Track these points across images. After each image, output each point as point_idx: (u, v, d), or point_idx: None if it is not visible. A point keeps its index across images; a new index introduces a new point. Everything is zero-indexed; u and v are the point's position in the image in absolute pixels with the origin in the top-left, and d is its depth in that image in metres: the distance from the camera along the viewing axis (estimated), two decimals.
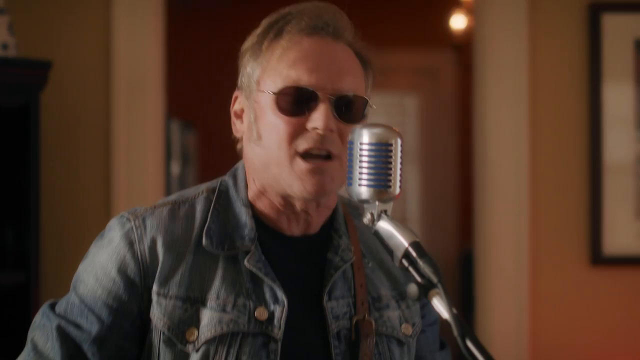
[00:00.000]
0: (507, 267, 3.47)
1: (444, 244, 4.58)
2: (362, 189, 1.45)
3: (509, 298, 3.47)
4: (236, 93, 1.68)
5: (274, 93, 1.59)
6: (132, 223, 1.63)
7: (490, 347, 3.51)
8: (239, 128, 1.68)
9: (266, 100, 1.60)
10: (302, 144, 1.57)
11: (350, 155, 1.46)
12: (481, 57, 3.47)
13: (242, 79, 1.66)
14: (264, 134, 1.60)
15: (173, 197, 1.70)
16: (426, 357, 1.77)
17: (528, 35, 3.42)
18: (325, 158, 1.58)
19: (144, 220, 1.64)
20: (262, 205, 1.66)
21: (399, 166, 1.46)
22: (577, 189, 3.46)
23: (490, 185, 3.49)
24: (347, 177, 1.47)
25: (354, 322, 1.64)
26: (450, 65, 5.98)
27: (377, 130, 1.45)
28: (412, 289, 1.36)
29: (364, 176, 1.44)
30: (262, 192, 1.66)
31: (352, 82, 1.60)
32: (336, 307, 1.64)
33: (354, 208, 1.75)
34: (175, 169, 4.47)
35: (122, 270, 1.61)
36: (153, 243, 1.61)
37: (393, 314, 1.69)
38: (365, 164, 1.44)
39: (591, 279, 3.47)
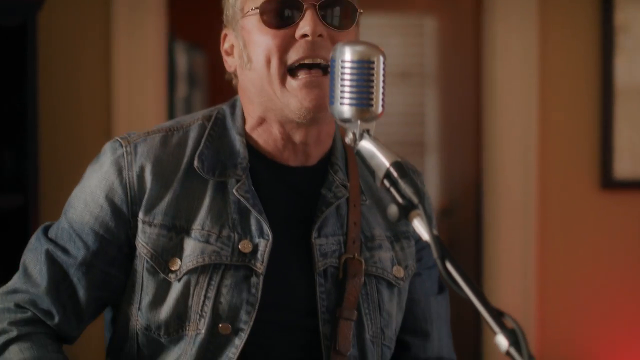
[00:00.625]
0: (515, 191, 3.45)
1: (461, 171, 4.56)
2: (344, 108, 1.43)
3: (517, 222, 3.46)
4: (224, 31, 1.66)
5: (257, 8, 1.57)
6: (124, 149, 1.63)
7: (498, 271, 3.51)
8: (230, 63, 1.66)
9: (252, 22, 1.58)
10: (292, 56, 1.55)
11: (332, 73, 1.44)
12: None
13: (227, 13, 1.64)
14: (254, 55, 1.58)
15: (169, 123, 1.69)
16: (421, 301, 1.75)
17: None
18: (322, 72, 1.55)
19: (135, 146, 1.63)
20: (260, 136, 1.64)
21: (381, 84, 1.43)
22: (588, 111, 3.42)
23: (498, 108, 3.46)
24: (330, 96, 1.45)
25: (343, 260, 1.63)
26: None
27: (359, 48, 1.43)
28: (392, 209, 1.34)
29: (346, 94, 1.42)
30: (260, 122, 1.63)
31: None
32: (325, 244, 1.62)
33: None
34: (181, 92, 4.44)
35: (109, 197, 1.61)
36: (141, 170, 1.61)
37: (385, 255, 1.67)
38: (347, 82, 1.42)
39: (601, 203, 3.45)
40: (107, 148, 1.65)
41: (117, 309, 1.67)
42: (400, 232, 1.71)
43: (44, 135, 3.07)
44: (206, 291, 1.58)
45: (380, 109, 1.44)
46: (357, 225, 1.65)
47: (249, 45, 1.59)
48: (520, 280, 3.46)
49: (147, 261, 1.59)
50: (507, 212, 3.48)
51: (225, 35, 1.66)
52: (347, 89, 1.42)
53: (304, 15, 1.55)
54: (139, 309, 1.61)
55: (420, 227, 1.33)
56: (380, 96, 1.43)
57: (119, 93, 3.25)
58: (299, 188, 1.65)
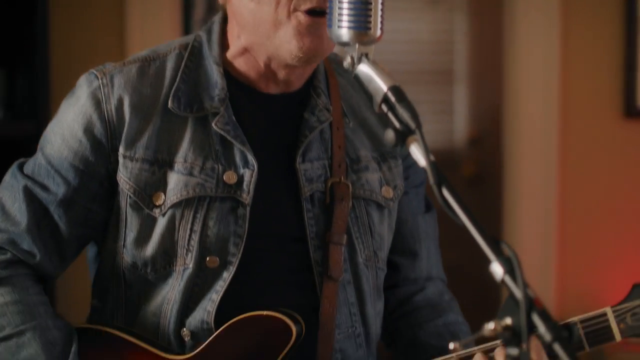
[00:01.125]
0: (536, 119, 3.42)
1: (489, 100, 4.51)
2: (342, 31, 1.41)
3: (537, 151, 3.43)
4: None
5: None
6: (100, 81, 1.60)
7: (519, 200, 3.49)
8: None
9: None
10: (305, 3, 1.51)
11: None
12: None
13: None
14: None
15: (145, 52, 1.65)
16: (408, 221, 1.74)
17: None
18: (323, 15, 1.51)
19: (112, 78, 1.60)
20: (241, 64, 1.61)
21: (379, 7, 1.41)
22: (611, 37, 3.36)
23: (519, 34, 3.41)
24: (327, 19, 1.43)
25: (329, 184, 1.61)
26: None
27: None
28: (390, 134, 1.33)
29: (344, 17, 1.40)
30: (245, 50, 1.60)
31: None
32: (310, 169, 1.61)
33: (338, 64, 1.70)
34: (199, 13, 4.39)
35: (88, 131, 1.58)
36: (120, 103, 1.58)
37: (373, 176, 1.66)
38: (345, 5, 1.40)
39: (624, 132, 3.41)
40: (83, 81, 1.62)
41: (101, 247, 1.66)
42: (386, 152, 1.69)
43: (55, 61, 3.05)
44: (192, 224, 1.57)
45: (378, 32, 1.42)
46: (342, 149, 1.64)
47: None
48: (541, 208, 3.44)
49: (129, 197, 1.58)
50: (528, 141, 3.45)
51: None
52: (345, 12, 1.40)
53: None
54: (124, 246, 1.60)
55: (417, 152, 1.31)
56: (379, 19, 1.41)
57: (132, 19, 3.23)
58: (282, 115, 1.63)
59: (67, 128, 1.60)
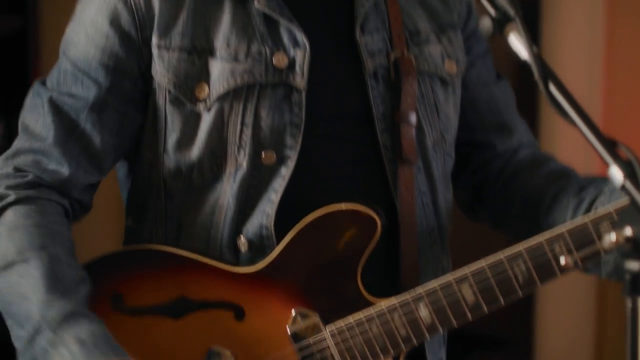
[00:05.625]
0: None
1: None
2: None
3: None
4: None
5: None
6: None
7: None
8: None
9: None
10: None
11: None
12: None
13: None
14: None
15: None
16: (481, 93, 1.68)
17: None
18: None
19: None
20: None
21: None
22: None
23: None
24: None
25: (392, 59, 1.55)
26: None
27: None
28: (486, 23, 1.25)
29: None
30: None
31: None
32: (370, 42, 1.55)
33: None
34: None
35: (114, 23, 1.50)
36: None
37: (434, 49, 1.60)
38: None
39: None
40: None
41: (134, 160, 1.58)
42: (445, 23, 1.63)
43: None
44: (243, 117, 1.50)
45: None
46: (399, 20, 1.58)
47: None
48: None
49: (169, 92, 1.50)
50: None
51: None
52: None
53: None
54: (164, 151, 1.53)
55: (517, 43, 1.24)
56: None
57: None
58: None
59: (90, 24, 1.51)
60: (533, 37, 1.25)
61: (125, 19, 1.50)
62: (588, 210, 1.54)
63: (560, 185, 1.61)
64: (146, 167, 1.56)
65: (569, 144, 3.39)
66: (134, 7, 1.50)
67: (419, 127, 1.56)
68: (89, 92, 1.51)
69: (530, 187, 1.64)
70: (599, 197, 1.54)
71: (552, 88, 1.22)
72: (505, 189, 1.67)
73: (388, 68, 1.55)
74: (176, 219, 1.54)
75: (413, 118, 1.55)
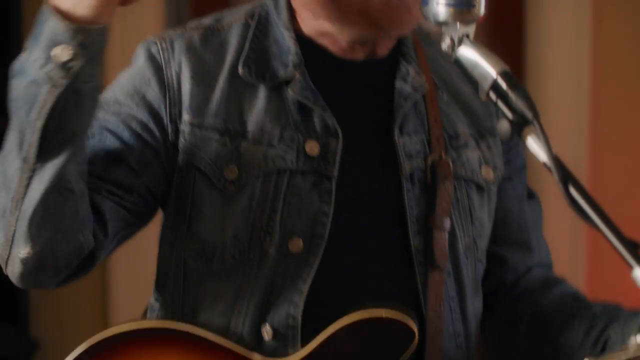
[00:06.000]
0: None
1: None
2: (441, 8, 1.34)
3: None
4: None
5: None
6: (159, 45, 1.55)
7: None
8: None
9: None
10: None
11: None
12: None
13: None
14: None
15: (207, 21, 1.60)
16: (513, 208, 1.68)
17: None
18: None
19: (171, 42, 1.55)
20: (320, 41, 1.56)
21: None
22: None
23: (546, 54, 3.34)
24: None
25: (430, 162, 1.55)
26: None
27: None
28: (504, 126, 1.28)
29: None
30: (322, 33, 1.55)
31: None
32: (409, 143, 1.55)
33: (424, 35, 1.64)
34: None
35: (146, 96, 1.52)
36: (180, 67, 1.53)
37: (472, 154, 1.60)
38: None
39: None
40: (140, 48, 1.57)
41: (161, 236, 1.58)
42: (484, 129, 1.63)
43: None
44: (272, 203, 1.49)
45: (483, 10, 1.36)
46: (438, 123, 1.58)
47: None
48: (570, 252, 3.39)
49: (199, 170, 1.50)
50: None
51: None
52: None
53: None
54: (187, 230, 1.52)
55: (535, 145, 1.27)
56: None
57: None
58: (367, 82, 1.57)
59: (121, 91, 1.54)
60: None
61: (156, 95, 1.52)
62: (600, 335, 1.54)
63: (572, 307, 1.61)
64: (167, 247, 1.56)
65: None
66: (166, 83, 1.52)
67: (452, 232, 1.56)
68: (110, 144, 1.51)
69: (542, 306, 1.64)
70: (612, 323, 1.54)
71: (572, 191, 1.24)
72: (516, 304, 1.67)
73: (425, 170, 1.55)
74: (193, 304, 1.53)
75: (447, 223, 1.54)
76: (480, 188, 1.60)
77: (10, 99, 1.37)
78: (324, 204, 1.50)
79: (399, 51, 1.59)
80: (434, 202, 1.54)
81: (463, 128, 1.61)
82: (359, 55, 1.56)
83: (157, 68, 1.53)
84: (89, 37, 1.33)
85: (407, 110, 1.55)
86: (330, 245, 1.50)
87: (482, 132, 1.63)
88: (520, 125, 1.27)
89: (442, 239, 1.54)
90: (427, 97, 1.58)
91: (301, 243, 1.49)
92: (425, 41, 1.63)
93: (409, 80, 1.57)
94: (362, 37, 1.53)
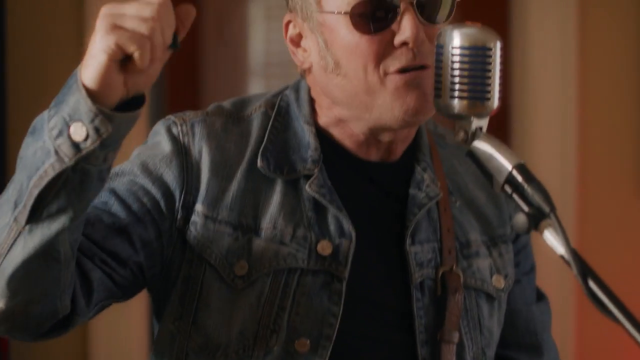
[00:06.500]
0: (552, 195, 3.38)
1: None
2: (455, 102, 1.34)
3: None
4: (287, 17, 1.55)
5: (346, 13, 1.46)
6: (179, 127, 1.52)
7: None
8: (302, 59, 1.54)
9: (337, 21, 1.48)
10: (394, 64, 1.46)
11: (439, 62, 1.34)
12: None
13: (294, 0, 1.53)
14: (343, 60, 1.48)
15: (228, 106, 1.58)
16: (521, 311, 1.66)
17: None
18: (419, 68, 1.47)
19: (192, 126, 1.53)
20: (335, 132, 1.55)
21: (497, 74, 1.34)
22: (628, 114, 3.37)
23: (533, 109, 3.37)
24: (435, 88, 1.36)
25: (440, 273, 1.54)
26: None
27: (472, 31, 1.34)
28: (520, 219, 1.26)
29: (457, 86, 1.33)
30: (340, 121, 1.54)
31: None
32: (420, 252, 1.53)
33: (440, 136, 1.64)
34: None
35: (163, 175, 1.50)
36: (200, 155, 1.51)
37: (483, 263, 1.58)
38: (458, 72, 1.33)
39: None
40: (160, 126, 1.54)
41: (160, 325, 1.54)
42: (497, 236, 1.62)
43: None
44: (281, 300, 1.47)
45: (496, 103, 1.35)
46: (451, 232, 1.57)
47: (334, 47, 1.49)
48: (558, 295, 3.38)
49: (209, 264, 1.48)
50: None
51: (290, 21, 1.55)
52: (458, 79, 1.33)
53: (402, 17, 1.46)
54: (192, 322, 1.49)
55: (553, 240, 1.25)
56: (497, 87, 1.34)
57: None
58: (383, 185, 1.56)
59: (138, 166, 1.50)
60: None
61: (174, 176, 1.50)
62: None
63: None
64: (167, 337, 1.52)
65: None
66: (185, 168, 1.50)
67: (460, 343, 1.54)
68: (116, 211, 1.48)
69: None
70: None
71: (592, 285, 1.23)
72: None
73: (435, 280, 1.54)
74: None
75: (455, 336, 1.53)
76: (490, 297, 1.59)
77: (19, 155, 1.32)
78: (333, 305, 1.48)
79: (414, 155, 1.58)
80: (444, 314, 1.53)
81: (475, 235, 1.60)
82: (374, 155, 1.55)
83: (178, 151, 1.51)
84: (107, 124, 1.24)
85: (420, 219, 1.55)
86: (336, 347, 1.48)
87: (495, 240, 1.62)
88: (537, 219, 1.26)
89: (450, 352, 1.52)
90: (441, 205, 1.57)
91: (308, 343, 1.47)
92: (440, 144, 1.63)
93: (424, 187, 1.56)
94: (378, 125, 1.51)
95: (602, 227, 3.42)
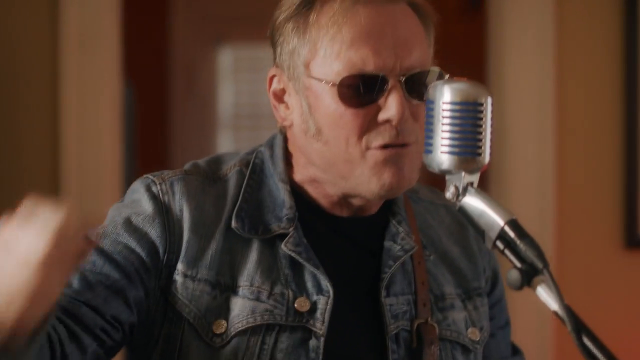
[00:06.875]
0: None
1: None
2: (445, 157, 1.34)
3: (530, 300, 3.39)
4: (272, 71, 1.56)
5: (334, 84, 1.48)
6: (159, 187, 1.53)
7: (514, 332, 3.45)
8: (284, 115, 1.55)
9: (323, 88, 1.50)
10: (377, 139, 1.48)
11: (430, 117, 1.35)
12: None
13: (282, 57, 1.54)
14: (325, 129, 1.50)
15: (204, 165, 1.59)
16: None
17: None
18: (401, 146, 1.49)
19: (171, 185, 1.54)
20: (309, 189, 1.56)
21: (489, 129, 1.35)
22: (610, 164, 3.36)
23: (511, 159, 3.38)
24: (426, 144, 1.36)
25: (416, 326, 1.55)
26: None
27: (463, 87, 1.34)
28: (513, 275, 1.26)
29: (447, 142, 1.33)
30: (315, 181, 1.56)
31: (420, 54, 1.50)
32: (395, 304, 1.55)
33: (413, 191, 1.65)
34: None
35: (147, 234, 1.50)
36: (181, 214, 1.52)
37: (458, 315, 1.60)
38: (448, 127, 1.33)
39: (625, 263, 3.39)
40: (139, 185, 1.55)
41: None
42: (472, 289, 1.64)
43: None
44: (259, 357, 1.48)
45: (487, 158, 1.36)
46: (425, 285, 1.58)
47: (318, 114, 1.51)
48: (537, 346, 3.38)
49: (188, 322, 1.49)
50: None
51: (273, 76, 1.56)
52: (448, 135, 1.33)
53: (389, 93, 1.48)
54: None
55: (546, 295, 1.26)
56: (488, 143, 1.35)
57: (68, 142, 3.15)
58: (358, 240, 1.58)
59: (122, 226, 1.51)
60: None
61: (158, 234, 1.50)
62: None
63: None
64: None
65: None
66: (167, 227, 1.51)
67: None
68: (110, 273, 1.48)
69: None
70: None
71: (586, 340, 1.23)
72: None
73: (410, 332, 1.55)
74: None
75: None
76: (466, 349, 1.60)
77: None
78: None
79: (389, 209, 1.59)
80: None
81: (450, 288, 1.61)
82: (348, 212, 1.56)
83: (159, 210, 1.51)
84: (9, 346, 1.27)
85: (394, 271, 1.56)
86: None
87: (470, 293, 1.63)
88: (530, 275, 1.26)
89: None
90: (415, 258, 1.59)
91: None
92: (414, 198, 1.65)
93: (399, 240, 1.57)
94: (353, 193, 1.53)
95: (583, 281, 3.41)
